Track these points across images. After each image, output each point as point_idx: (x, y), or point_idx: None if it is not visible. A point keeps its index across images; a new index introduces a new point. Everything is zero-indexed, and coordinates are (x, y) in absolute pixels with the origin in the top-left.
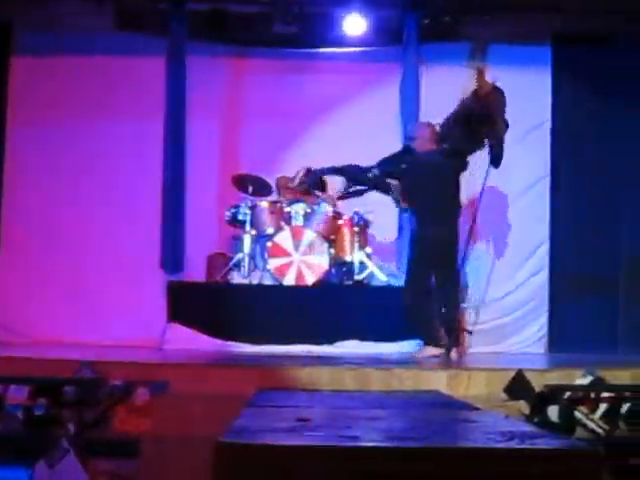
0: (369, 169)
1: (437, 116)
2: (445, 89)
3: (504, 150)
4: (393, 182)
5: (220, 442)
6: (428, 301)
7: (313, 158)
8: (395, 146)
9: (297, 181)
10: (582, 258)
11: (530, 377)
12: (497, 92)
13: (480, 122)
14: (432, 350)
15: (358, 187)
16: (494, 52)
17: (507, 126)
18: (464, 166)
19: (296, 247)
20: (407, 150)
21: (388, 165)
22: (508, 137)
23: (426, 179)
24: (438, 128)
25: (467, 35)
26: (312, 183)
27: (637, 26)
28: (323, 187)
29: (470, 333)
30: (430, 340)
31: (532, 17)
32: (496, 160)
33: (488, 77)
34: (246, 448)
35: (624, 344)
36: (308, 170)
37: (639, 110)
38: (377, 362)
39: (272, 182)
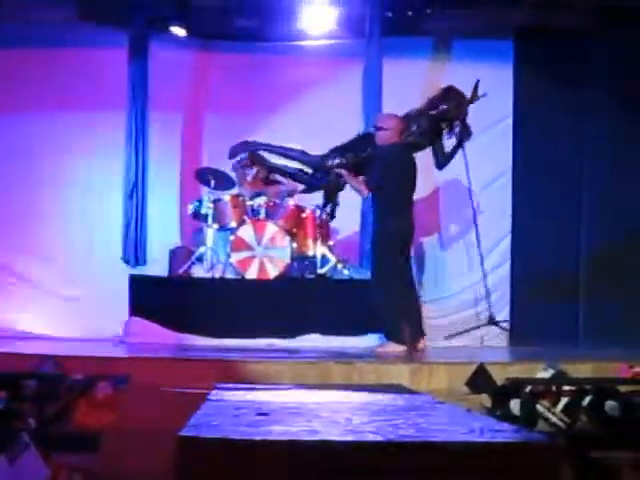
0: (325, 156)
1: (398, 110)
2: (407, 83)
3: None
4: (343, 172)
5: (181, 436)
6: (394, 296)
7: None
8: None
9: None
10: (544, 252)
11: (492, 371)
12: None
13: (450, 122)
14: (394, 347)
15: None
16: (456, 47)
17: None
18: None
19: (258, 241)
20: (365, 138)
21: (348, 153)
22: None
23: (390, 171)
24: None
25: (430, 30)
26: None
27: (600, 19)
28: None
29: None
30: (393, 336)
31: (494, 11)
32: (444, 163)
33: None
34: (207, 442)
35: (585, 337)
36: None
37: (602, 105)
38: (339, 356)
39: (234, 176)
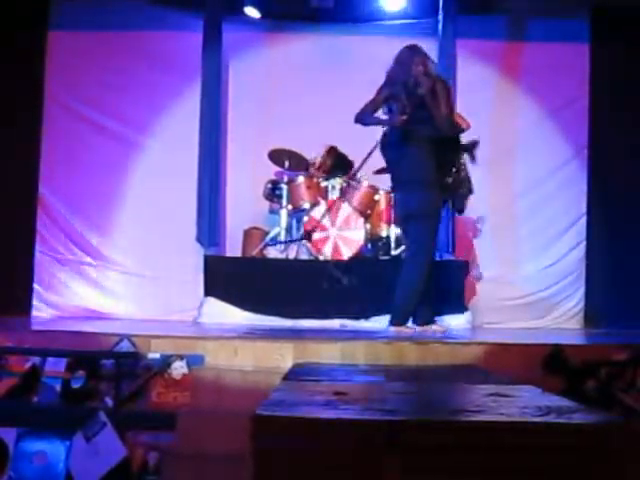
0: None
1: (471, 91)
2: (480, 63)
3: None
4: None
5: (257, 414)
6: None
7: (343, 133)
8: None
9: (319, 161)
10: (619, 229)
11: (567, 352)
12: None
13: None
14: (408, 328)
15: None
16: (531, 26)
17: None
18: None
19: (332, 222)
20: None
21: None
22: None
23: None
24: None
25: (505, 9)
26: (336, 163)
27: None
28: (348, 166)
29: None
30: (407, 317)
31: None
32: None
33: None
34: (283, 421)
35: None
36: (331, 148)
37: None
38: (412, 336)
39: (309, 157)
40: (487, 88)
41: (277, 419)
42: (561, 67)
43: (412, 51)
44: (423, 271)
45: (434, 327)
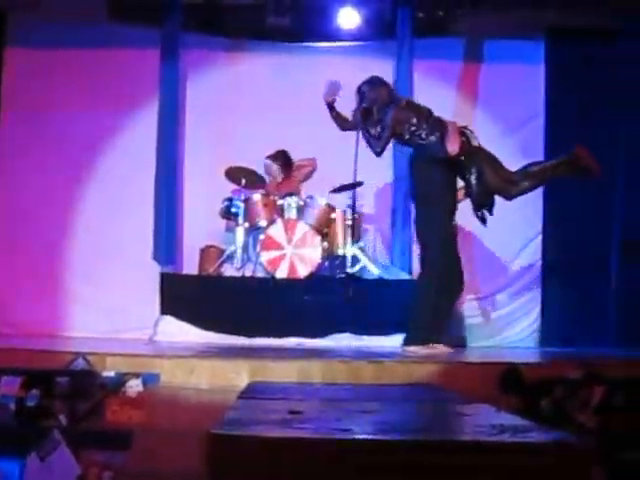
0: None
1: None
2: (438, 85)
3: None
4: None
5: (211, 433)
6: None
7: (303, 150)
8: None
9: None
10: (574, 254)
11: (523, 371)
12: None
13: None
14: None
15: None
16: (487, 47)
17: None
18: None
19: (289, 240)
20: None
21: None
22: (500, 130)
23: None
24: None
25: (461, 30)
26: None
27: (631, 19)
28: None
29: None
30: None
31: (525, 11)
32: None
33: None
34: (238, 439)
35: (616, 337)
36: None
37: (636, 104)
38: (369, 355)
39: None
40: (444, 109)
41: (231, 438)
42: (517, 87)
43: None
44: (433, 291)
45: (439, 346)
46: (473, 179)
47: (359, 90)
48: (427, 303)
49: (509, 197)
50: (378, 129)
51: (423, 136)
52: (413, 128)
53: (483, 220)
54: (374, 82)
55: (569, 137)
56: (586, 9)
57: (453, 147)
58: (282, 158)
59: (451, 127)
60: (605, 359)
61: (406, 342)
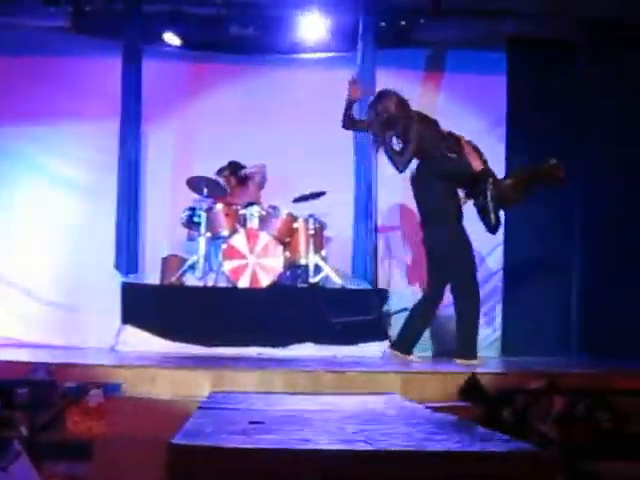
0: None
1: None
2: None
3: None
4: None
5: (172, 444)
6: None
7: (264, 162)
8: (350, 150)
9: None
10: (535, 263)
11: (484, 381)
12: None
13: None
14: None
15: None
16: (450, 57)
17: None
18: None
19: (251, 249)
20: None
21: None
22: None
23: None
24: None
25: (423, 41)
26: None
27: (586, 30)
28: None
29: None
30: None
31: (487, 22)
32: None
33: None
34: (198, 450)
35: (578, 348)
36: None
37: (594, 115)
38: (330, 365)
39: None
40: None
41: (192, 448)
42: (480, 97)
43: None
44: (478, 301)
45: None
46: (489, 194)
47: (370, 105)
48: (476, 320)
49: (511, 205)
50: (399, 144)
51: (445, 152)
52: (435, 143)
53: (496, 228)
54: (382, 94)
55: (531, 147)
56: (545, 20)
57: (477, 163)
58: (229, 168)
59: (464, 142)
60: (566, 369)
61: (463, 356)
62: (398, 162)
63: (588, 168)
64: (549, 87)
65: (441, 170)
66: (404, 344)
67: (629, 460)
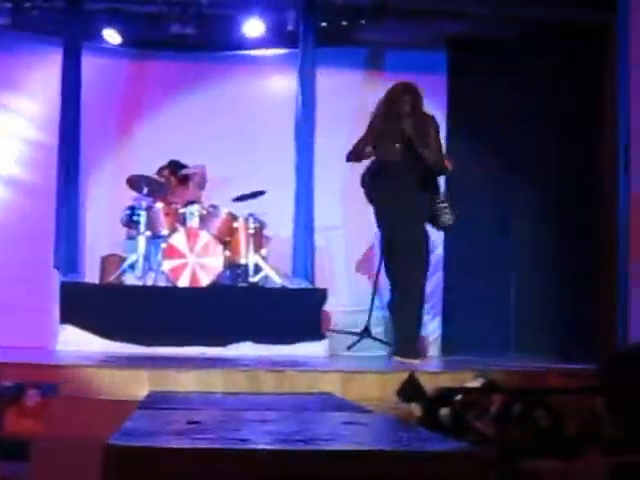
0: None
1: (332, 121)
2: (341, 94)
3: None
4: None
5: (108, 445)
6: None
7: (205, 161)
8: (290, 148)
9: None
10: (475, 264)
11: (422, 380)
12: None
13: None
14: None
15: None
16: (390, 58)
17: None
18: None
19: (191, 249)
20: None
21: None
22: None
23: None
24: None
25: (364, 41)
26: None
27: (532, 32)
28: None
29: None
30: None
31: (427, 23)
32: None
33: None
34: (134, 451)
35: (515, 347)
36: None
37: (531, 116)
38: (270, 365)
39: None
40: (347, 118)
41: (128, 449)
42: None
43: (403, 89)
44: (421, 301)
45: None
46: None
47: (402, 100)
48: (418, 319)
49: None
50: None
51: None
52: (426, 140)
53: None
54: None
55: (470, 146)
56: (484, 20)
57: (448, 162)
58: (169, 167)
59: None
60: (504, 368)
61: (399, 354)
62: (434, 163)
63: (526, 166)
64: (489, 87)
65: (420, 170)
66: (406, 347)
67: (565, 458)
